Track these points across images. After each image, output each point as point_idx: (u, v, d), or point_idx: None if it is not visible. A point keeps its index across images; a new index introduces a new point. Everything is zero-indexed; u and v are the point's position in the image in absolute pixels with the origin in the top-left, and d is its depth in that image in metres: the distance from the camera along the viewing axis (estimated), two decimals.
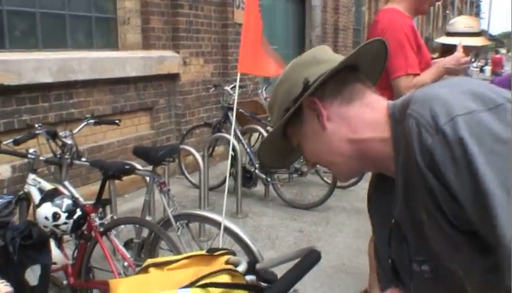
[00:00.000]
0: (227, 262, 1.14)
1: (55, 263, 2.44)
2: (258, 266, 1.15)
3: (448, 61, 2.54)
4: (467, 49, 3.43)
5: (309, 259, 1.05)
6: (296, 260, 1.15)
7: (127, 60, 4.89)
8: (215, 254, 1.16)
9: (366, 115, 0.96)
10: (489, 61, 27.34)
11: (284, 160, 1.20)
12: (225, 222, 2.63)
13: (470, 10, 30.90)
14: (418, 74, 2.45)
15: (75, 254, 2.72)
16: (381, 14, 2.62)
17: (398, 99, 0.95)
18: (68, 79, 4.22)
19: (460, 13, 29.64)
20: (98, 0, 4.92)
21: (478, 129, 0.75)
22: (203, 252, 1.18)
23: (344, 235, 4.23)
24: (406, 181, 0.87)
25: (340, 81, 0.98)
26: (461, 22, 3.61)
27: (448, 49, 3.22)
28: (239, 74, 3.02)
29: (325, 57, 1.01)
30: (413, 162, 0.81)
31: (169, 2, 5.55)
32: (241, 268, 1.09)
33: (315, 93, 0.97)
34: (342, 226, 4.45)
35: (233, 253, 1.19)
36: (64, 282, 2.69)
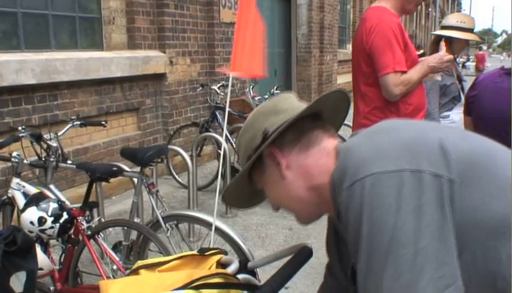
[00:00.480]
0: (218, 262, 1.13)
1: (41, 268, 2.38)
2: (249, 264, 1.16)
3: (432, 59, 2.57)
4: (458, 43, 3.46)
5: (301, 255, 1.07)
6: (288, 258, 1.14)
7: (113, 60, 4.82)
8: (206, 254, 1.15)
9: (321, 160, 0.99)
10: (471, 57, 27.89)
11: (250, 202, 1.21)
12: (216, 222, 2.60)
13: (451, 7, 31.23)
14: (405, 72, 2.45)
15: (62, 259, 2.67)
16: (369, 12, 2.61)
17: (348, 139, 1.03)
18: (52, 80, 4.14)
19: (442, 11, 29.95)
20: (82, 0, 4.85)
21: (371, 195, 0.80)
22: (195, 252, 1.17)
23: None
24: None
25: (299, 129, 1.01)
26: (454, 17, 3.68)
27: (439, 41, 3.25)
28: (231, 74, 2.96)
29: (284, 106, 1.05)
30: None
31: (155, 2, 5.49)
32: (233, 267, 1.09)
33: (275, 142, 1.01)
34: None
35: (225, 252, 1.18)
36: (51, 288, 2.63)
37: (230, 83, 3.05)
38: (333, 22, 11.30)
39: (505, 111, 2.24)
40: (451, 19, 3.61)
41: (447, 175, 0.81)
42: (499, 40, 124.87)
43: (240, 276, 1.06)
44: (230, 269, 1.06)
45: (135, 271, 1.11)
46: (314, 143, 1.01)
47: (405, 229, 0.76)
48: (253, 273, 1.14)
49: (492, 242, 0.79)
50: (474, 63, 24.37)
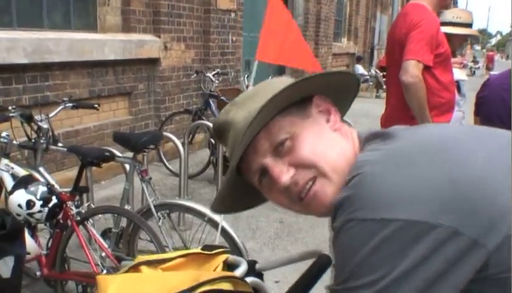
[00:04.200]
0: (225, 262, 1.08)
1: (28, 253, 2.32)
2: (258, 266, 1.10)
3: None
4: (456, 39, 3.44)
5: (320, 263, 1.01)
6: (296, 262, 1.10)
7: (106, 43, 4.72)
8: (212, 252, 1.09)
9: (350, 136, 0.92)
10: (479, 59, 29.20)
11: (240, 202, 1.04)
12: (208, 212, 2.56)
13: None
14: (430, 66, 2.57)
15: (49, 244, 2.60)
16: (410, 8, 2.74)
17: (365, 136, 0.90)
18: (44, 60, 4.04)
19: None
20: None
21: (362, 236, 0.72)
22: (199, 250, 1.11)
23: (324, 226, 4.19)
24: None
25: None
26: (450, 12, 3.65)
27: None
28: (256, 61, 2.98)
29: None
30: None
31: None
32: (241, 270, 1.03)
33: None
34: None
35: (230, 251, 1.13)
36: (38, 273, 2.57)
37: (254, 69, 3.02)
38: (330, 14, 11.25)
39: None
40: (448, 14, 3.59)
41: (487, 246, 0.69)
42: (493, 41, 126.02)
43: (248, 280, 0.99)
44: (238, 272, 1.00)
45: (135, 267, 1.05)
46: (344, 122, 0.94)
47: None
48: (260, 275, 1.09)
49: None
50: (482, 65, 25.90)
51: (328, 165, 0.85)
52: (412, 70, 2.50)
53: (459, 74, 3.10)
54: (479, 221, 0.69)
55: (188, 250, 1.14)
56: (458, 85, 3.64)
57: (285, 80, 0.91)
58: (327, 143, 0.87)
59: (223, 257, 1.09)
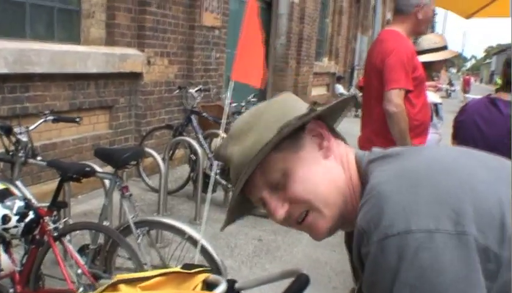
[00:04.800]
0: (204, 281, 1.08)
1: (1, 269, 2.27)
2: (237, 286, 1.11)
3: None
4: (436, 64, 3.53)
5: (298, 283, 1.02)
6: (275, 282, 1.10)
7: (89, 55, 4.69)
8: (192, 271, 1.10)
9: (346, 158, 0.94)
10: (454, 82, 30.24)
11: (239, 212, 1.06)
12: (188, 230, 2.54)
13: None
14: (411, 91, 2.66)
15: (24, 260, 2.54)
16: (385, 34, 2.86)
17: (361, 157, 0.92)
18: (25, 70, 3.98)
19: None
20: None
21: (403, 253, 0.72)
22: (179, 269, 1.11)
23: (303, 245, 4.20)
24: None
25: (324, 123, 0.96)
26: (425, 40, 3.73)
27: None
28: (232, 81, 2.96)
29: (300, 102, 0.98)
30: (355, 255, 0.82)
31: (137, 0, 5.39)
32: (221, 289, 1.04)
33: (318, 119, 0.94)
34: (301, 235, 4.42)
35: (210, 270, 1.13)
36: (11, 290, 2.50)
37: (230, 89, 2.99)
38: (312, 34, 11.40)
39: (490, 140, 2.27)
40: (423, 43, 3.68)
41: (496, 252, 0.73)
42: (468, 64, 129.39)
43: None
44: (218, 291, 1.01)
45: (114, 286, 1.05)
46: (340, 139, 0.97)
47: None
48: None
49: None
50: (459, 87, 27.12)
51: (319, 200, 0.88)
52: (395, 100, 2.60)
53: (433, 97, 3.18)
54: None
55: (167, 269, 1.14)
56: (436, 108, 3.71)
57: (276, 108, 0.93)
58: (319, 176, 0.89)
59: (203, 276, 1.09)
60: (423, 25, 2.85)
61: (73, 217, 3.82)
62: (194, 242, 2.54)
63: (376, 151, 0.92)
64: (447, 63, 4.26)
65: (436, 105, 3.44)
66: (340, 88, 14.35)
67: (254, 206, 1.01)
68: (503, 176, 0.81)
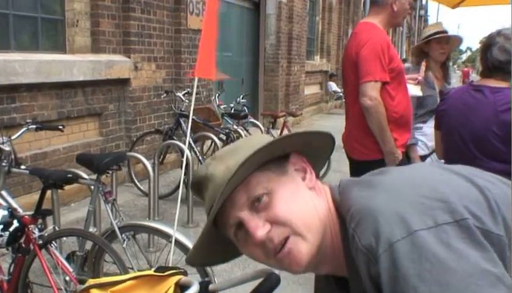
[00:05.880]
0: (177, 284, 1.08)
1: None
2: (211, 287, 1.10)
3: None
4: (435, 51, 3.47)
5: (268, 283, 1.01)
6: (249, 282, 1.09)
7: (75, 64, 4.71)
8: (164, 274, 1.09)
9: (323, 191, 0.95)
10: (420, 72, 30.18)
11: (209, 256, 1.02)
12: (176, 235, 2.54)
13: (418, 24, 32.13)
14: (388, 82, 2.64)
15: (11, 269, 2.55)
16: (360, 27, 2.85)
17: (335, 190, 0.93)
18: (10, 81, 4.00)
19: (409, 27, 30.72)
20: (45, 0, 4.72)
21: (415, 254, 0.73)
22: (152, 272, 1.11)
23: None
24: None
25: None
26: (427, 29, 3.71)
27: (419, 53, 3.50)
28: (196, 79, 2.94)
29: None
30: (363, 284, 0.81)
31: (120, 6, 5.39)
32: (193, 291, 1.03)
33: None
34: None
35: (184, 273, 1.13)
36: None
37: (195, 88, 2.98)
38: (302, 33, 11.41)
39: (472, 128, 2.25)
40: (427, 32, 3.65)
41: (497, 233, 0.77)
42: (464, 57, 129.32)
43: None
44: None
45: (86, 291, 1.05)
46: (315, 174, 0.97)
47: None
48: None
49: None
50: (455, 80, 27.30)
51: (302, 224, 0.87)
52: (370, 92, 2.58)
53: (414, 90, 3.14)
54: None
55: (140, 272, 1.14)
56: (418, 101, 3.67)
57: (265, 137, 0.95)
58: (302, 202, 0.89)
59: (175, 278, 1.08)
60: (400, 16, 2.83)
61: (66, 224, 3.83)
62: (182, 246, 2.54)
63: (345, 180, 0.94)
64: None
65: (418, 98, 3.40)
66: (333, 86, 14.36)
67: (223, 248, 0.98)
68: (477, 174, 0.88)
